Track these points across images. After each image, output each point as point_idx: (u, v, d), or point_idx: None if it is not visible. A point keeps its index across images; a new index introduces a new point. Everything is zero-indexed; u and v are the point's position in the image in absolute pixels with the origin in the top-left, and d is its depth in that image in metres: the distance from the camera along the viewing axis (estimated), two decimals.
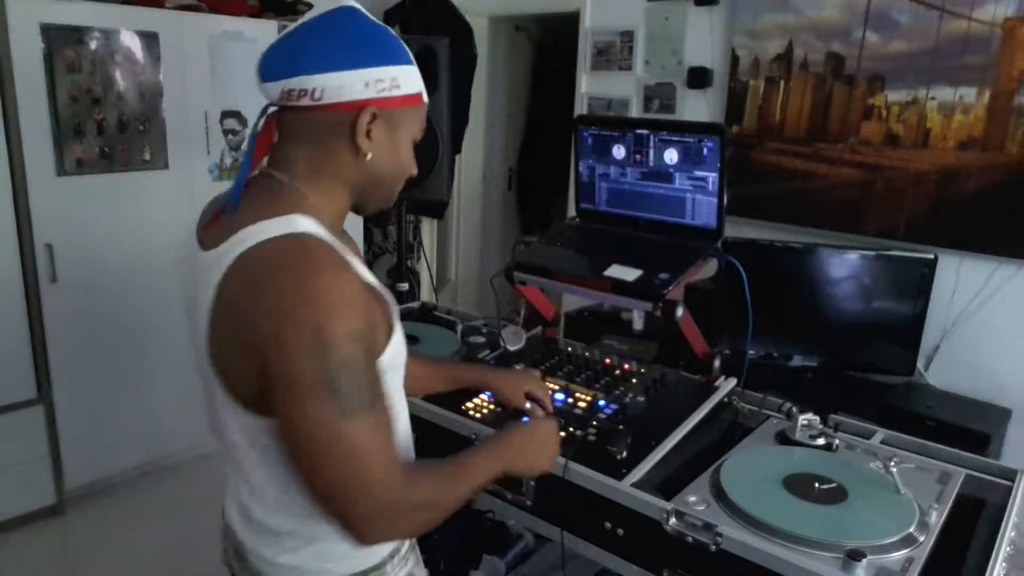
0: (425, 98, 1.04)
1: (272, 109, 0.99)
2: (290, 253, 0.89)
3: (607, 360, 1.66)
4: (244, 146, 0.99)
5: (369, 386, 0.91)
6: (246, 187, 0.99)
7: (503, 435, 1.17)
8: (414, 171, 1.08)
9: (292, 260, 0.88)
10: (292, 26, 0.98)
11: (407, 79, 1.00)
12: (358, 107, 0.96)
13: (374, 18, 1.02)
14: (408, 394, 1.49)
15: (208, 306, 0.92)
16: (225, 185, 3.25)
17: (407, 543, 1.13)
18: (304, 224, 0.93)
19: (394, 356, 1.00)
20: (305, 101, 0.94)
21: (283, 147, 1.00)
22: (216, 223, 0.99)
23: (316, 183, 0.98)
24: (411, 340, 1.80)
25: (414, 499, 0.96)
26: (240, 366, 0.91)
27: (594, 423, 1.41)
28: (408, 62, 1.01)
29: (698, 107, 3.26)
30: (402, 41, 1.02)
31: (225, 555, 1.19)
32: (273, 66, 0.96)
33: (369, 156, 0.98)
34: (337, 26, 0.96)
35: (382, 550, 1.07)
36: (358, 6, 1.00)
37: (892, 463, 1.21)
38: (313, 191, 0.98)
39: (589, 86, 3.65)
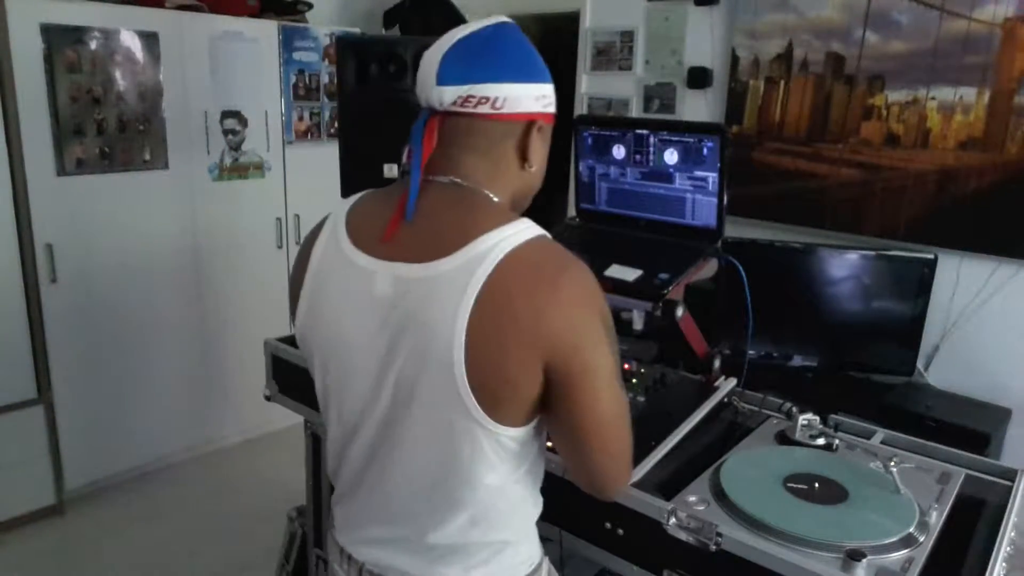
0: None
1: (431, 116, 0.98)
2: (556, 252, 0.94)
3: None
4: (404, 156, 1.08)
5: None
6: (421, 195, 0.97)
7: None
8: (541, 180, 1.11)
9: (563, 258, 0.93)
10: (457, 35, 0.98)
11: (553, 96, 1.04)
12: (529, 119, 0.99)
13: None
14: None
15: (463, 317, 0.88)
16: (225, 185, 3.25)
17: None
18: (538, 227, 0.97)
19: None
20: (484, 108, 0.96)
21: (450, 153, 0.99)
22: (393, 232, 0.96)
23: (495, 190, 1.00)
24: None
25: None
26: (513, 374, 0.89)
27: None
28: (551, 81, 1.04)
29: (698, 107, 3.26)
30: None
31: None
32: (452, 71, 0.96)
33: (534, 168, 1.02)
34: (510, 40, 1.00)
35: (538, 552, 1.11)
36: (512, 21, 1.03)
37: (892, 463, 1.21)
38: (497, 195, 1.00)
39: (589, 86, 3.65)
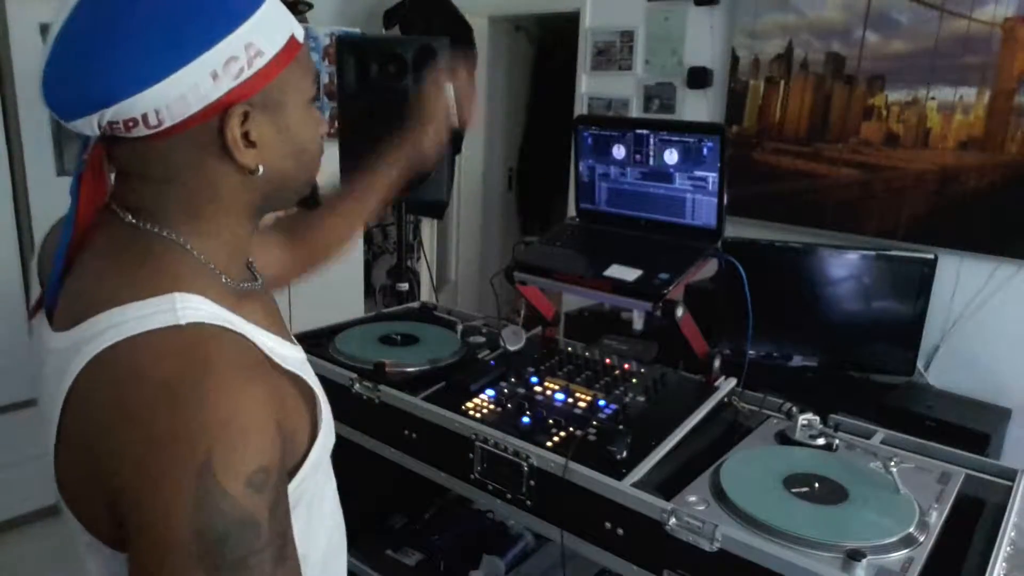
0: (299, 37, 0.73)
1: (94, 144, 0.69)
2: (174, 360, 0.62)
3: (607, 360, 1.66)
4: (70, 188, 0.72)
5: (272, 544, 0.63)
6: (93, 230, 0.72)
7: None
8: (324, 129, 0.80)
9: (176, 371, 0.61)
10: (56, 27, 0.65)
11: (268, 34, 0.69)
12: (218, 111, 0.67)
13: None
14: (347, 237, 1.30)
15: (55, 413, 0.66)
16: None
17: None
18: (192, 307, 0.66)
19: (321, 452, 0.76)
20: (140, 131, 0.66)
21: (133, 186, 0.71)
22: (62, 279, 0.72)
23: (196, 227, 0.72)
24: (411, 340, 1.80)
25: None
26: (88, 497, 0.66)
27: (594, 423, 1.41)
28: (249, 11, 0.67)
29: (698, 107, 3.26)
30: None
31: None
32: (68, 99, 0.66)
33: (261, 169, 0.71)
34: (126, 9, 0.64)
35: None
36: None
37: (892, 463, 1.21)
38: (195, 238, 0.71)
39: (589, 86, 3.65)
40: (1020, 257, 2.48)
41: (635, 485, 1.24)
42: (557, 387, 1.56)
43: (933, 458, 1.38)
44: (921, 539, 1.09)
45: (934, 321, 2.59)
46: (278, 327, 0.80)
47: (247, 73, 0.68)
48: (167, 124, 0.66)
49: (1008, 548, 1.17)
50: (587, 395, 1.52)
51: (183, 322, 0.64)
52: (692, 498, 1.19)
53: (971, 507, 1.26)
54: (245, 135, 0.69)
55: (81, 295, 0.69)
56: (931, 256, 2.49)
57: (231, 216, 0.74)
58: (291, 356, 0.76)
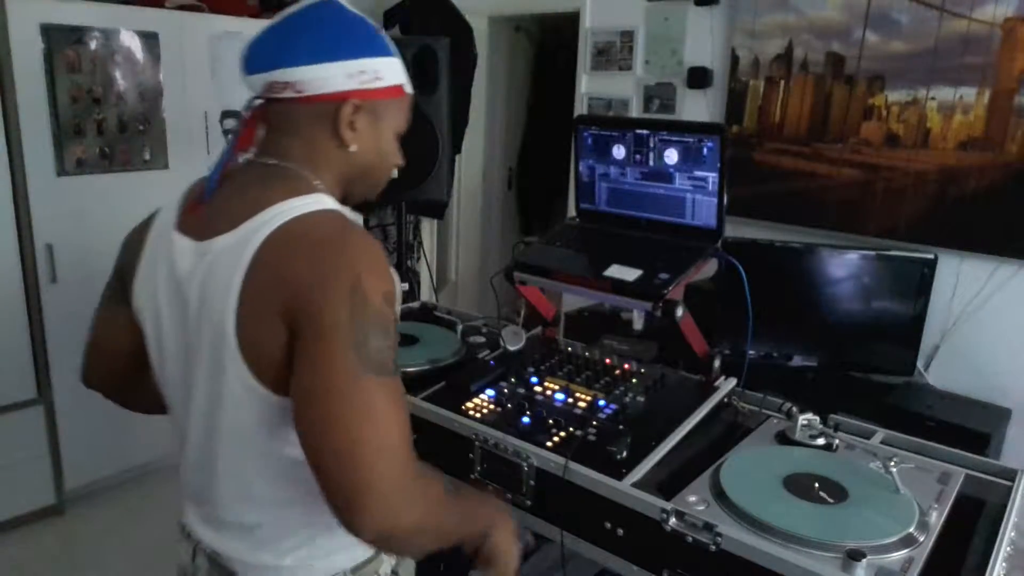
0: (408, 90, 1.05)
1: (258, 101, 0.99)
2: (331, 224, 0.91)
3: (607, 360, 1.67)
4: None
5: (392, 352, 0.90)
6: (237, 175, 0.99)
7: (503, 508, 1.12)
8: (399, 162, 1.08)
9: (335, 229, 0.90)
10: (274, 19, 0.98)
11: (389, 71, 1.00)
12: (340, 99, 0.96)
13: (355, 10, 1.01)
14: None
15: (236, 284, 0.89)
16: None
17: None
18: (329, 202, 0.95)
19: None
20: (288, 93, 0.95)
21: (275, 138, 1.00)
22: (199, 212, 0.99)
23: (315, 171, 0.99)
24: (411, 340, 1.80)
25: (420, 500, 0.90)
26: (266, 334, 0.88)
27: (594, 423, 1.41)
28: (390, 54, 1.01)
29: (698, 107, 3.26)
30: (384, 33, 1.03)
31: (195, 572, 1.13)
32: (256, 59, 0.97)
33: (354, 148, 0.99)
34: (319, 18, 0.97)
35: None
36: None
37: (892, 463, 1.21)
38: (315, 178, 0.99)
39: (589, 86, 3.65)
40: (1020, 257, 2.48)
41: (635, 485, 1.24)
42: (557, 387, 1.56)
43: (933, 458, 1.38)
44: (921, 539, 1.10)
45: (934, 321, 2.58)
46: None
47: (366, 85, 0.98)
48: (306, 94, 0.95)
49: (1008, 548, 1.17)
50: (587, 395, 1.52)
51: (328, 207, 0.95)
52: (692, 498, 1.19)
53: (971, 507, 1.26)
54: (351, 123, 0.98)
55: (232, 210, 0.94)
56: (931, 256, 2.49)
57: (328, 173, 1.00)
58: None
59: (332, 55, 0.95)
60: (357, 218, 0.96)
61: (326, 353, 0.85)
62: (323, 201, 0.95)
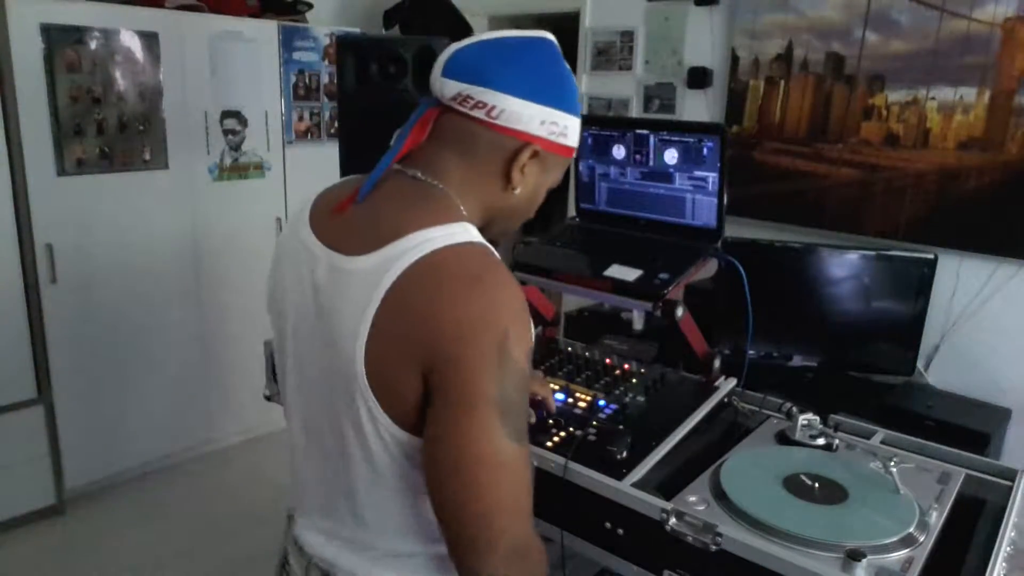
0: (575, 153, 1.02)
1: (432, 107, 0.96)
2: (478, 261, 0.87)
3: (607, 360, 1.66)
4: (393, 140, 1.03)
5: (527, 414, 0.89)
6: (382, 183, 0.95)
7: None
8: (532, 216, 1.07)
9: (481, 268, 0.86)
10: (487, 35, 0.96)
11: (573, 130, 0.99)
12: (526, 140, 0.94)
13: (564, 59, 1.00)
14: None
15: (369, 313, 0.85)
16: (225, 185, 3.25)
17: None
18: (475, 232, 0.91)
19: None
20: (479, 113, 0.92)
21: (433, 150, 0.96)
22: (337, 218, 0.95)
23: (464, 196, 0.95)
24: None
25: (533, 557, 0.90)
26: (400, 376, 0.85)
27: (594, 423, 1.41)
28: (578, 115, 0.99)
29: (698, 107, 3.26)
30: (577, 93, 1.01)
31: None
32: (460, 67, 0.93)
33: (517, 191, 0.97)
34: (537, 55, 0.96)
35: None
36: (555, 41, 0.99)
37: (892, 463, 1.21)
38: (462, 203, 0.95)
39: (589, 86, 3.65)
40: (1020, 257, 2.47)
41: (635, 485, 1.24)
42: (557, 387, 1.55)
43: (933, 458, 1.38)
44: (921, 539, 1.09)
45: (934, 321, 2.58)
46: None
47: (553, 136, 0.96)
48: (497, 122, 0.92)
49: (1008, 548, 1.17)
50: (587, 395, 1.52)
51: (475, 240, 0.90)
52: (692, 498, 1.19)
53: (971, 507, 1.26)
54: (523, 166, 0.96)
55: (373, 226, 0.90)
56: (931, 256, 2.49)
57: (478, 203, 0.97)
58: None
59: (538, 96, 0.93)
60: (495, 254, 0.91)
61: (471, 419, 0.83)
62: (470, 232, 0.90)
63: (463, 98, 0.92)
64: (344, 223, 0.94)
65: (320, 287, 0.92)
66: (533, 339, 0.88)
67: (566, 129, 0.97)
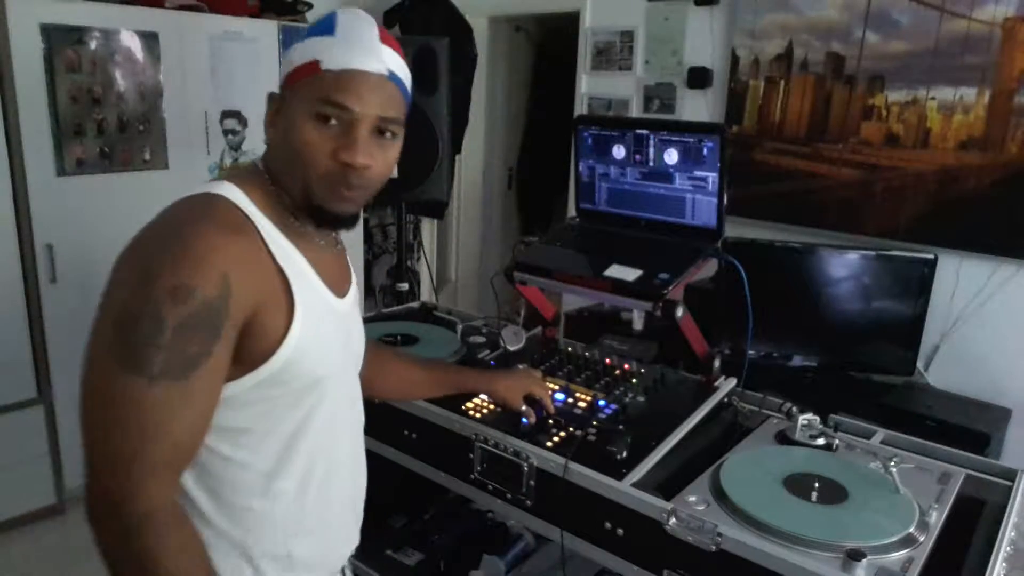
0: (324, 66, 0.91)
1: None
2: (178, 204, 0.90)
3: (607, 360, 1.67)
4: None
5: (172, 353, 0.80)
6: None
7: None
8: (329, 147, 0.92)
9: (174, 210, 0.90)
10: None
11: (301, 52, 0.94)
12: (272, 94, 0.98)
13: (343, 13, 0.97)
14: (405, 398, 1.49)
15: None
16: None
17: None
18: (225, 188, 0.92)
19: (286, 366, 0.90)
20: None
21: None
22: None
23: (272, 169, 0.98)
24: (411, 340, 1.80)
25: (150, 532, 0.81)
26: None
27: (594, 423, 1.41)
28: (314, 34, 0.94)
29: (698, 107, 3.26)
30: (332, 18, 0.96)
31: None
32: None
33: (266, 140, 1.00)
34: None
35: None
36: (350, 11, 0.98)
37: (892, 463, 1.21)
38: (275, 176, 0.97)
39: (589, 86, 3.65)
40: (1020, 257, 2.48)
41: (635, 485, 1.24)
42: (557, 387, 1.56)
43: (933, 458, 1.38)
44: (921, 539, 1.10)
45: (934, 321, 2.58)
46: (329, 274, 1.00)
47: (283, 73, 0.95)
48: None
49: (1008, 548, 1.17)
50: (587, 395, 1.52)
51: (212, 191, 0.91)
52: (692, 498, 1.19)
53: (971, 507, 1.26)
54: (272, 118, 0.96)
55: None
56: (931, 256, 2.49)
57: (282, 176, 0.96)
58: (290, 267, 0.93)
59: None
60: (255, 215, 0.92)
61: (92, 346, 0.91)
62: (218, 186, 0.93)
63: None
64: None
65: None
66: (213, 288, 0.82)
67: (291, 60, 0.96)
